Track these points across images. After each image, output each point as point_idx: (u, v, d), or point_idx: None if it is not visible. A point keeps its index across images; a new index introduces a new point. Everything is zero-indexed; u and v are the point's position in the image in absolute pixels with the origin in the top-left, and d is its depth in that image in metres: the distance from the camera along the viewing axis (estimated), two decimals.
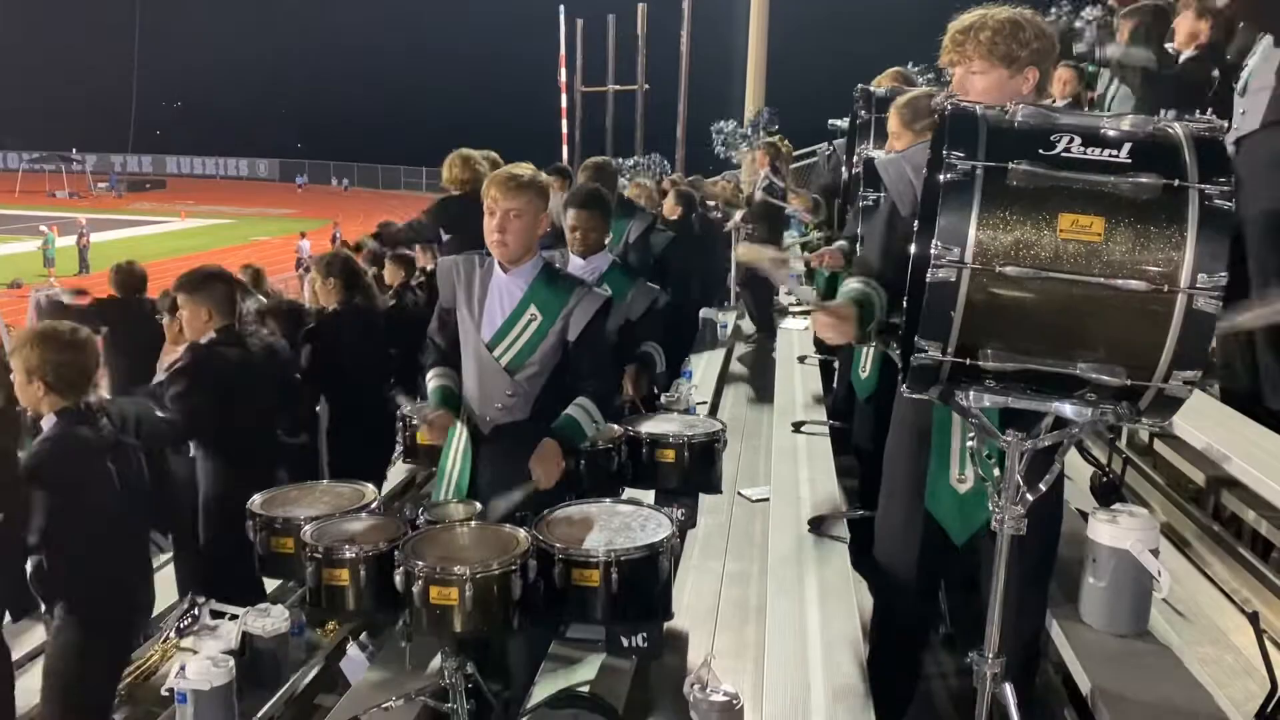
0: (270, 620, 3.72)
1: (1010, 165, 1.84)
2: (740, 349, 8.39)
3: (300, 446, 5.20)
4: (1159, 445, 4.46)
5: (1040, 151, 1.86)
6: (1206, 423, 3.55)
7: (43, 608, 3.51)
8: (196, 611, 4.28)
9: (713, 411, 6.11)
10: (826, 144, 9.09)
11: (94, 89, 70.62)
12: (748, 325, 8.93)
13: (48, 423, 3.35)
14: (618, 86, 24.26)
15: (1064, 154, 1.86)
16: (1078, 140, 1.88)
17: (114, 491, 3.40)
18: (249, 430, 4.30)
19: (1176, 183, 1.80)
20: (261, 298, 5.93)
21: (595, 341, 3.28)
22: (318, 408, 5.52)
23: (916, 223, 2.22)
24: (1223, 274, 1.77)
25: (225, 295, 4.29)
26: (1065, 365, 1.88)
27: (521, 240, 3.20)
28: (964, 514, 2.54)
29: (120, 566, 3.46)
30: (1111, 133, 1.90)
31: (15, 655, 4.62)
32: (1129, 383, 1.87)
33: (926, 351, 1.91)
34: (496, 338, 3.22)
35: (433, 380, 3.37)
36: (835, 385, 5.79)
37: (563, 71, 24.79)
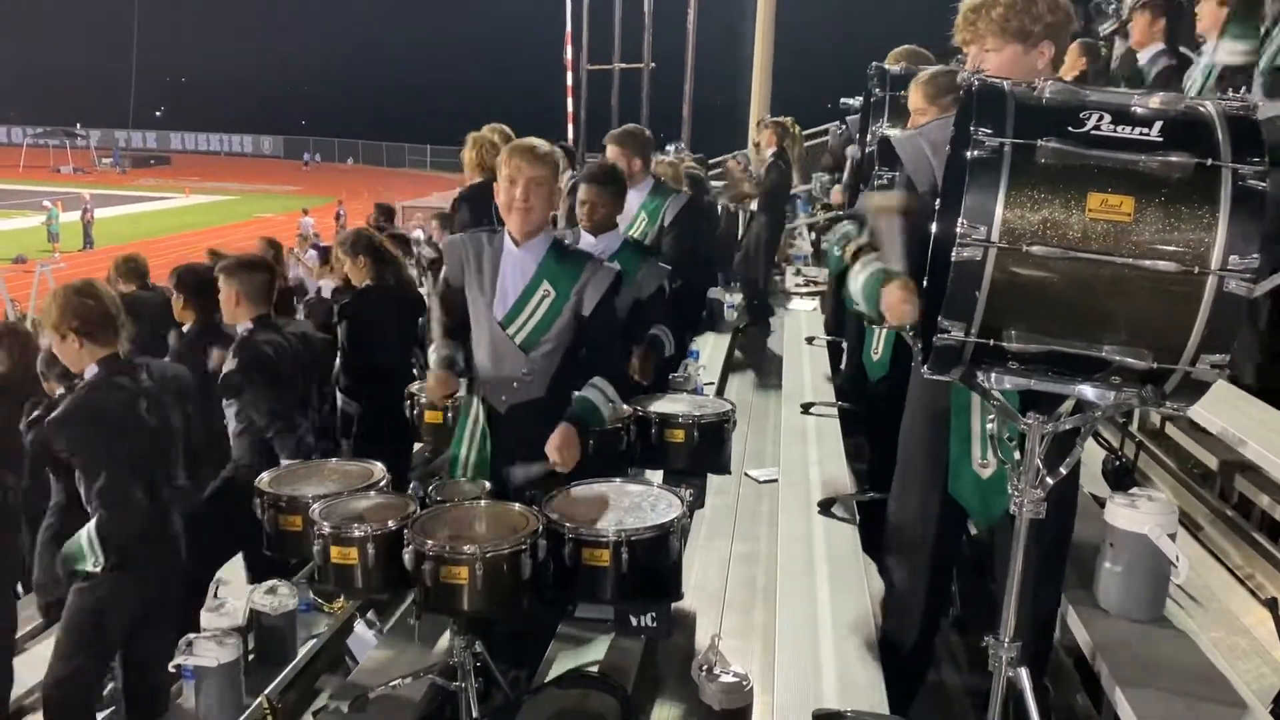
0: (278, 598, 3.72)
1: (1039, 143, 1.80)
2: (747, 329, 8.35)
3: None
4: (1170, 429, 4.44)
5: (1069, 129, 1.82)
6: (1221, 406, 3.52)
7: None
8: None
9: (719, 392, 6.08)
10: (838, 123, 9.01)
11: (98, 64, 70.32)
12: (747, 306, 8.89)
13: (89, 371, 3.41)
14: (624, 64, 24.08)
15: (1094, 132, 1.82)
16: (1107, 118, 1.84)
17: (152, 442, 3.45)
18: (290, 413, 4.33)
19: (1209, 162, 1.77)
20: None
21: (607, 318, 3.25)
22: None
23: (938, 200, 2.19)
24: (1255, 255, 1.73)
25: (264, 283, 4.37)
26: (1090, 347, 1.85)
27: (543, 209, 3.19)
28: (987, 499, 2.52)
29: (157, 521, 3.47)
30: (1142, 110, 1.86)
31: (30, 626, 4.66)
32: (1155, 366, 1.84)
33: (950, 332, 1.88)
34: (510, 315, 3.19)
35: (435, 352, 3.36)
36: (844, 366, 5.77)
37: (569, 49, 24.60)
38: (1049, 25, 2.43)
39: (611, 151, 4.89)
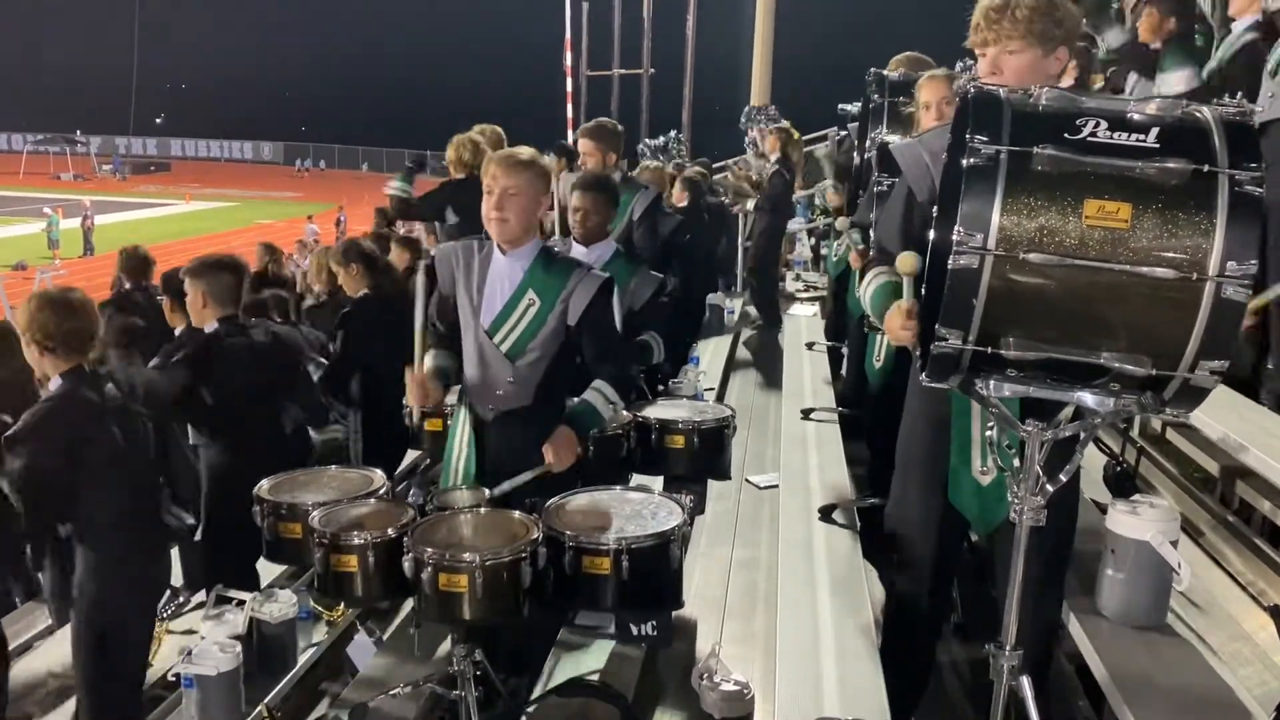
0: (278, 606, 3.71)
1: (1035, 150, 1.80)
2: (747, 335, 8.35)
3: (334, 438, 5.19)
4: (1171, 434, 4.43)
5: (1066, 135, 1.82)
6: (1222, 412, 3.52)
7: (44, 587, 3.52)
8: (181, 598, 4.28)
9: (720, 398, 6.07)
10: (837, 128, 9.02)
11: (99, 71, 70.46)
12: (755, 311, 8.89)
13: (54, 384, 3.38)
14: (623, 70, 24.12)
15: (1090, 138, 1.82)
16: (1104, 124, 1.83)
17: (119, 455, 3.42)
18: (251, 419, 4.24)
19: (1206, 168, 1.76)
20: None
21: (601, 323, 3.23)
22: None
23: (935, 208, 2.19)
24: (1253, 262, 1.73)
25: (231, 284, 4.25)
26: (1089, 354, 1.84)
27: (520, 220, 3.14)
28: (987, 506, 2.51)
29: (129, 534, 3.46)
30: (1138, 116, 1.86)
31: (25, 636, 4.66)
32: (1154, 373, 1.83)
33: (947, 340, 1.87)
34: (496, 324, 3.18)
35: (427, 360, 3.31)
36: (845, 372, 5.77)
37: (568, 55, 24.66)
38: (1068, 31, 2.42)
39: (585, 145, 4.85)
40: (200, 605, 4.23)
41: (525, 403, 3.19)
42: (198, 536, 4.28)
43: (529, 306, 3.17)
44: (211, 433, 4.20)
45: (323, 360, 5.56)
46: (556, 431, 3.05)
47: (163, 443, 3.62)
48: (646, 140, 12.88)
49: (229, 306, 4.23)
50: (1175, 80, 4.96)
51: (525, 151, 3.21)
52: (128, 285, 6.58)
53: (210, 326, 4.19)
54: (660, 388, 4.86)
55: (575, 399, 3.21)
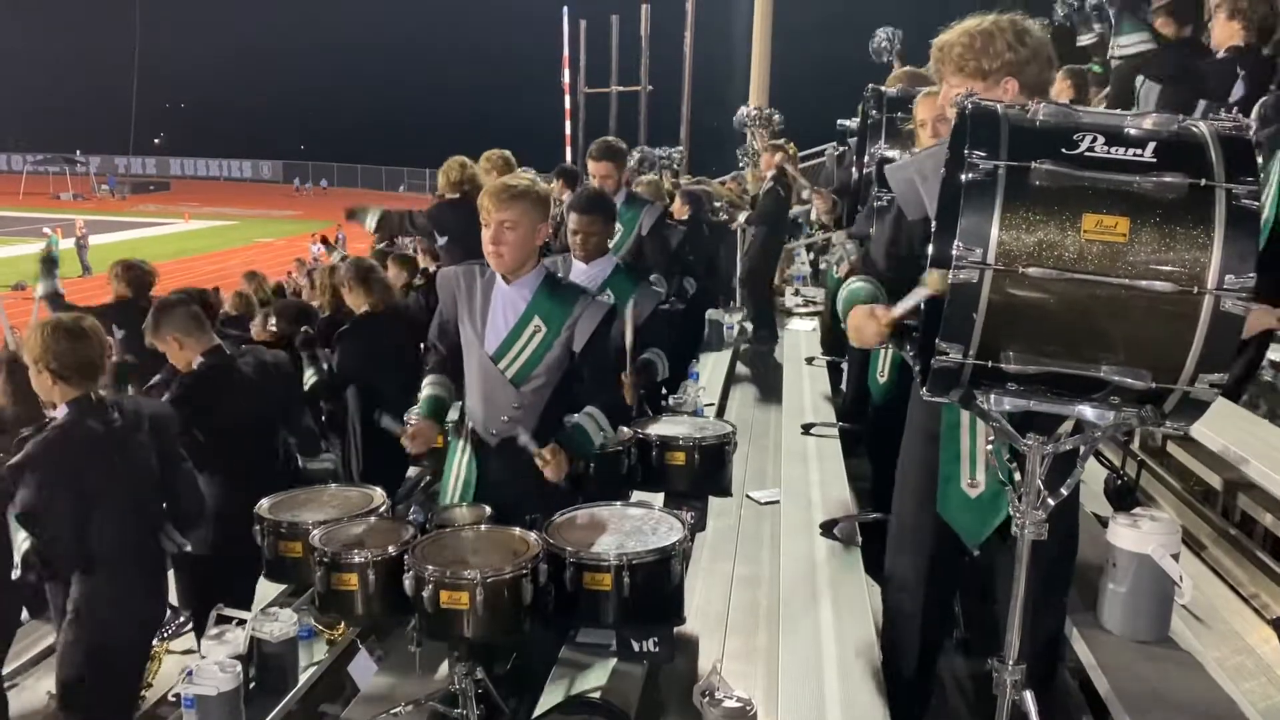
0: (279, 625, 3.70)
1: (1033, 165, 1.80)
2: (746, 350, 8.36)
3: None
4: (1172, 447, 4.43)
5: (1063, 151, 1.83)
6: (1223, 425, 3.52)
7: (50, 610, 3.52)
8: (182, 618, 4.27)
9: (720, 413, 6.07)
10: (835, 144, 9.04)
11: (98, 91, 70.77)
12: (752, 326, 8.89)
13: (60, 412, 3.36)
14: (621, 87, 24.26)
15: (1087, 153, 1.83)
16: (1101, 139, 1.84)
17: (120, 482, 3.40)
18: (244, 452, 4.17)
19: (1203, 182, 1.77)
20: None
21: (600, 350, 3.26)
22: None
23: (933, 223, 2.20)
24: (1251, 275, 1.73)
25: (188, 317, 4.12)
26: (1089, 368, 1.85)
27: (517, 252, 3.15)
28: (976, 518, 2.52)
29: (129, 560, 3.44)
30: (1135, 131, 1.87)
31: (30, 654, 4.63)
32: (1154, 386, 1.84)
33: (948, 354, 1.88)
34: (501, 350, 3.19)
35: (425, 389, 3.34)
36: (845, 387, 5.77)
37: (566, 72, 24.82)
38: (1008, 63, 2.45)
39: (603, 167, 4.87)
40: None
41: (529, 429, 3.18)
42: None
43: (535, 333, 3.18)
44: (206, 468, 4.04)
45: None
46: (549, 447, 3.06)
47: (165, 467, 3.60)
48: (645, 146, 12.87)
49: (206, 338, 4.12)
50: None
51: (520, 181, 3.21)
52: (129, 293, 6.55)
53: (197, 361, 4.09)
54: (662, 404, 4.86)
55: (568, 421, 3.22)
